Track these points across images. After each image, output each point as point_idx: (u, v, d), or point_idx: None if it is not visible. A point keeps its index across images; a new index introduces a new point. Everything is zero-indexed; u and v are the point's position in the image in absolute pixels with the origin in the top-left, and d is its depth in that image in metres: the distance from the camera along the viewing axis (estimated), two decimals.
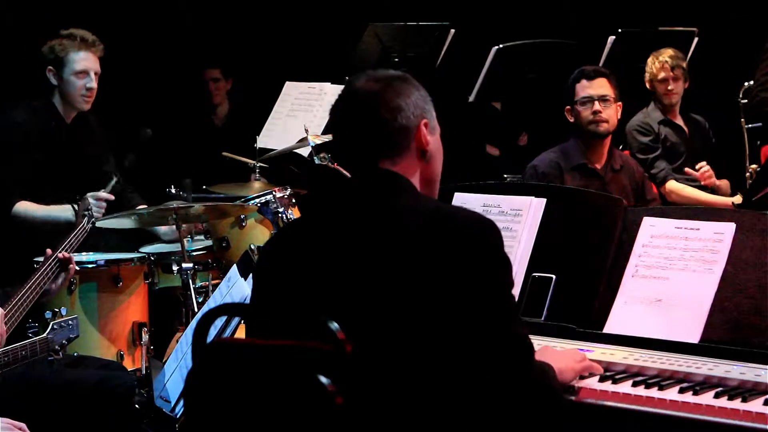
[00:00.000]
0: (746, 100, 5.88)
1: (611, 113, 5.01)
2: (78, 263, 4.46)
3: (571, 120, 5.08)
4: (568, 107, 5.07)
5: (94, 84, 4.83)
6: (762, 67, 5.88)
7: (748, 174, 5.91)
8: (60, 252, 3.95)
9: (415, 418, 2.21)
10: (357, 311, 2.23)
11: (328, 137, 5.36)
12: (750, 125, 6.09)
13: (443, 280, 2.23)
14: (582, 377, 2.65)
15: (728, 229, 2.85)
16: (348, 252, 2.30)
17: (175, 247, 5.01)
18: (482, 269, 2.26)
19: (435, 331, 2.21)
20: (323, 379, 2.02)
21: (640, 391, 2.59)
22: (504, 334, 2.27)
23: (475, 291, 2.24)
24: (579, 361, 2.66)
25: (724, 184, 6.07)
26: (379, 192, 2.37)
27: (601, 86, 5.01)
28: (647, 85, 6.05)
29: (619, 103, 5.05)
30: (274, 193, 5.06)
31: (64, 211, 4.59)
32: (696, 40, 6.28)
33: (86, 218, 4.21)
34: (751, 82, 5.64)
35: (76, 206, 4.30)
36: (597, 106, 4.98)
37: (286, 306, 2.36)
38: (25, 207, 4.70)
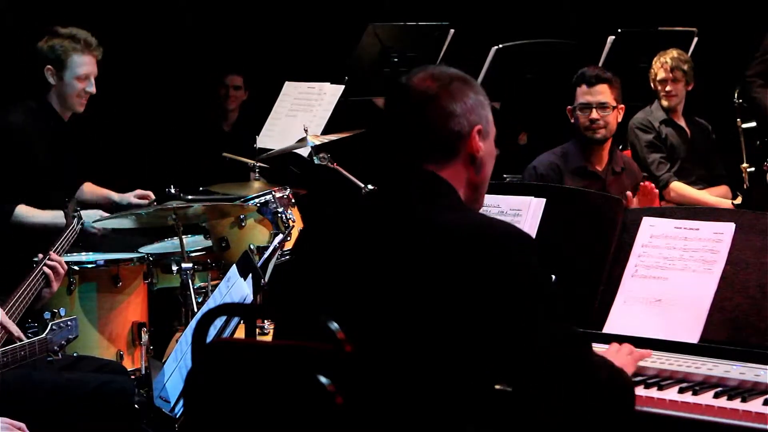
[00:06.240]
0: (741, 100, 5.88)
1: (610, 119, 4.94)
2: (77, 263, 4.47)
3: (572, 121, 5.03)
4: (569, 107, 5.02)
5: (93, 89, 4.78)
6: (756, 61, 5.92)
7: (744, 175, 5.91)
8: (47, 258, 3.87)
9: (419, 424, 2.20)
10: (374, 314, 2.21)
11: (328, 138, 5.36)
12: (745, 125, 6.10)
13: (468, 291, 2.16)
14: None
15: (728, 229, 2.85)
16: (375, 253, 2.26)
17: (175, 247, 5.00)
18: (509, 283, 2.18)
19: (453, 340, 2.17)
20: (323, 379, 2.02)
21: (640, 391, 2.59)
22: (539, 346, 2.18)
23: (501, 304, 2.17)
24: (630, 353, 2.65)
25: (721, 191, 6.05)
26: (417, 197, 2.30)
27: (600, 93, 4.92)
28: (651, 84, 6.04)
29: (621, 106, 4.98)
30: (273, 193, 5.05)
31: (60, 218, 4.56)
32: (696, 40, 6.27)
33: (76, 219, 4.19)
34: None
35: (65, 207, 4.25)
36: (594, 114, 4.91)
37: (308, 302, 2.33)
38: (23, 211, 4.66)
